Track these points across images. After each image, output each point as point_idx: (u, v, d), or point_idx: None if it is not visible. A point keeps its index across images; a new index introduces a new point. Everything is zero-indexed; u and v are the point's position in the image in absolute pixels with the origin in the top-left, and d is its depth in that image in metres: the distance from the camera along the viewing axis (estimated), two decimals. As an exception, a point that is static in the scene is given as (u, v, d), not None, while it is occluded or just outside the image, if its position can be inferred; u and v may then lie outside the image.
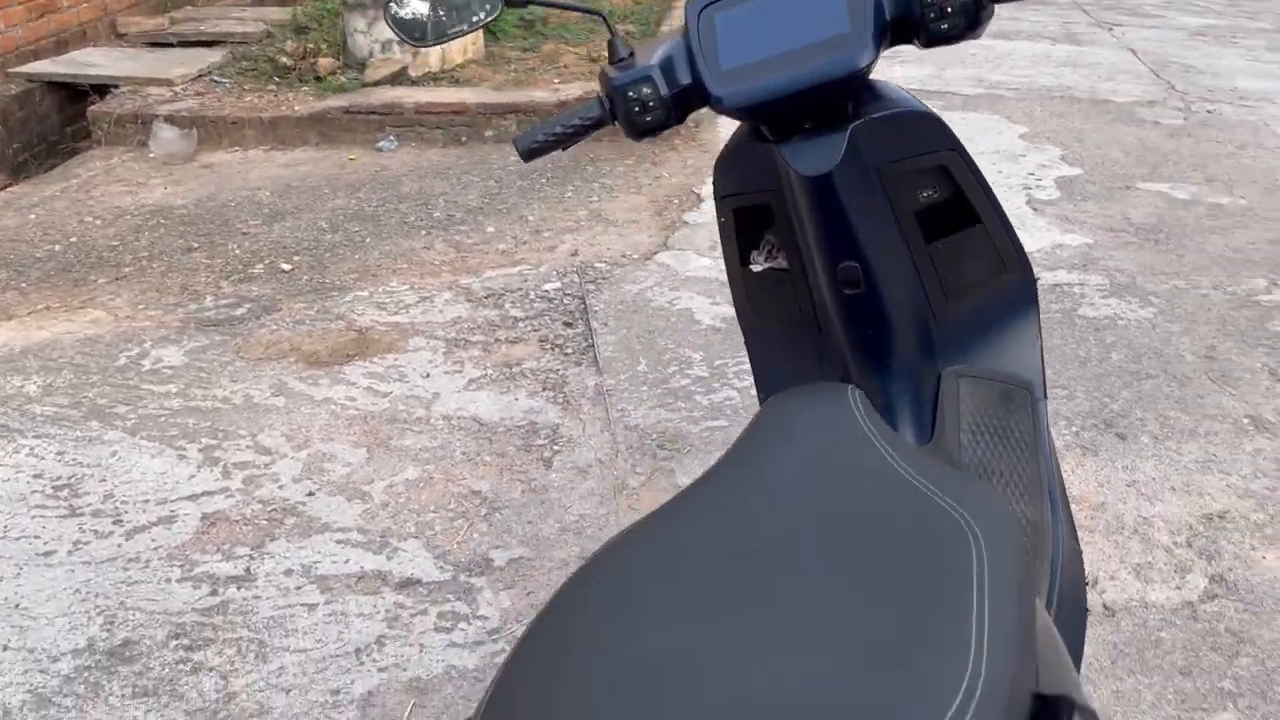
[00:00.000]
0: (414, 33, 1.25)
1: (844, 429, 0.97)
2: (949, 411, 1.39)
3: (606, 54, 1.24)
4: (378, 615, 1.76)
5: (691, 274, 2.95)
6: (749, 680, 0.65)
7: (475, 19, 1.24)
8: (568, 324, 2.70)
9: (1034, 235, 3.03)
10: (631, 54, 1.23)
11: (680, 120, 1.23)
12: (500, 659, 1.59)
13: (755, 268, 1.44)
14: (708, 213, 3.36)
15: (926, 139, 1.25)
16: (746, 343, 1.56)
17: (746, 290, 1.49)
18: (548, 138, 1.22)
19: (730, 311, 2.72)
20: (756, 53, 1.18)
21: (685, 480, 2.08)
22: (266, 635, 1.72)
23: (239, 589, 1.82)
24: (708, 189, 3.56)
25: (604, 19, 1.24)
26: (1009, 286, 1.41)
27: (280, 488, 2.08)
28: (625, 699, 0.65)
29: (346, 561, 1.88)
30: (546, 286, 2.90)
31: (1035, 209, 3.30)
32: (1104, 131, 4.05)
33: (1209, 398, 2.27)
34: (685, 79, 1.19)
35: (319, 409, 2.34)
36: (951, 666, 0.60)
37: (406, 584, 1.83)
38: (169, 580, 1.83)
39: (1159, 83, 4.76)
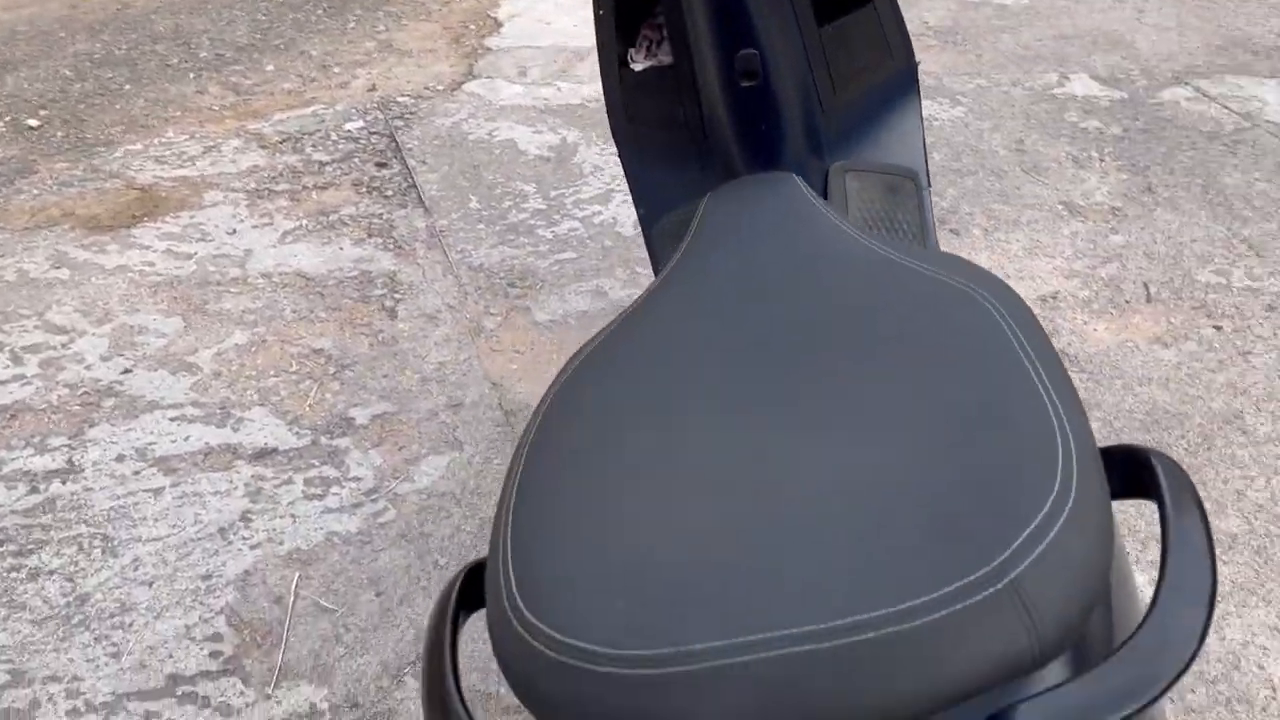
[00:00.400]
0: None
1: (807, 217, 0.91)
2: (838, 207, 1.35)
3: None
4: (236, 491, 1.60)
5: (506, 103, 2.77)
6: (834, 466, 0.60)
7: None
8: (381, 164, 2.48)
9: (841, 44, 3.02)
10: None
11: None
12: (384, 518, 1.49)
13: (635, 66, 1.33)
14: (510, 36, 3.16)
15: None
16: (621, 153, 1.47)
17: (623, 94, 1.38)
18: None
19: (557, 139, 2.59)
20: None
21: (544, 317, 1.99)
22: (110, 528, 1.53)
23: (64, 483, 1.60)
24: (506, 11, 3.34)
25: None
26: (894, 73, 1.36)
27: (87, 368, 1.83)
28: (704, 499, 0.59)
29: (187, 439, 1.69)
30: (348, 126, 2.65)
31: (837, 18, 3.29)
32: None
33: (1025, 188, 2.38)
34: None
35: (114, 278, 2.06)
36: (1042, 428, 0.57)
37: (262, 454, 1.67)
38: (-25, 485, 1.60)
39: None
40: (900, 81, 1.38)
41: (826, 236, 0.86)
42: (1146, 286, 2.04)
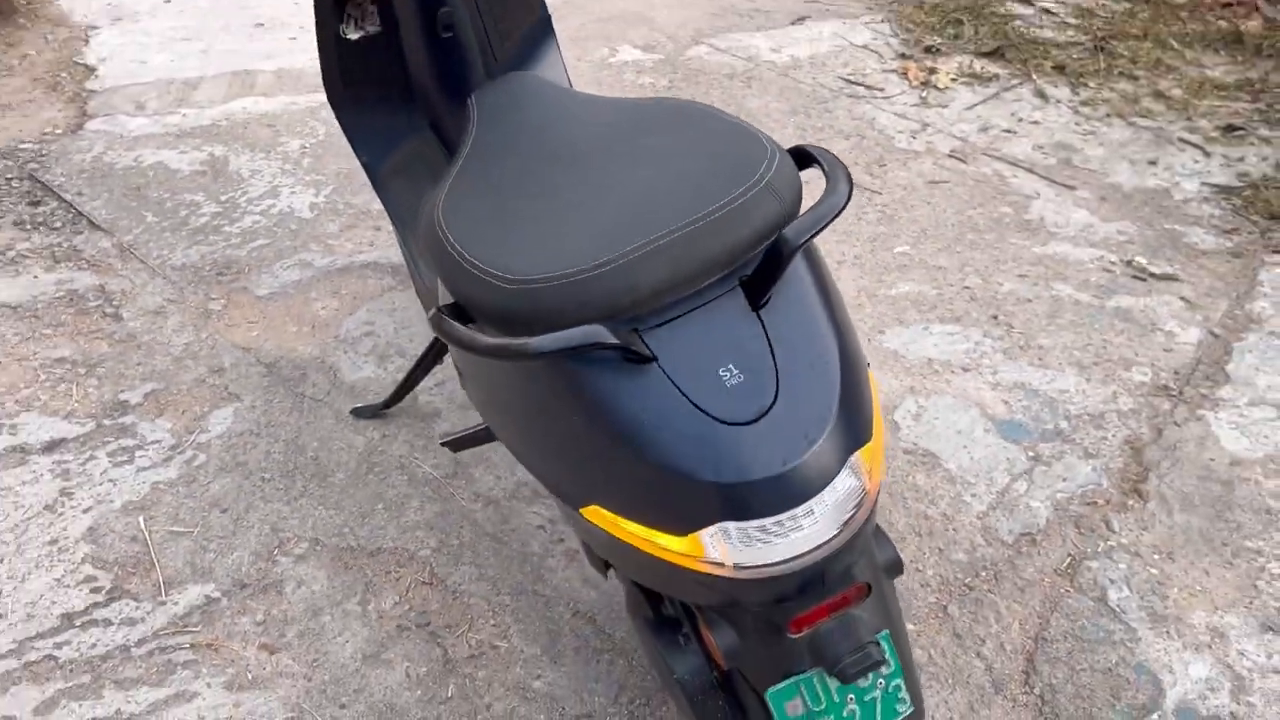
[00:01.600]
0: None
1: (553, 92, 1.37)
2: None
3: None
4: (44, 477, 1.74)
5: (139, 133, 2.90)
6: (635, 180, 1.07)
7: None
8: (34, 203, 2.54)
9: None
10: None
11: None
12: (198, 461, 1.74)
13: (351, 36, 1.70)
14: (111, 78, 3.25)
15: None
16: (339, 116, 1.82)
17: (340, 64, 1.74)
18: None
19: (205, 155, 2.80)
20: None
21: (264, 292, 2.25)
22: (-70, 536, 1.62)
23: None
24: (94, 56, 3.40)
25: None
26: (536, 20, 1.85)
27: None
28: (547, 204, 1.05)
29: (-33, 453, 1.78)
30: (-21, 177, 2.65)
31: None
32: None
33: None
34: None
35: None
36: (756, 142, 1.08)
37: (51, 446, 1.80)
38: None
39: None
40: (544, 29, 1.86)
41: (572, 97, 1.33)
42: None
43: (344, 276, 2.31)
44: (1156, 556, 1.68)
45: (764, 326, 0.98)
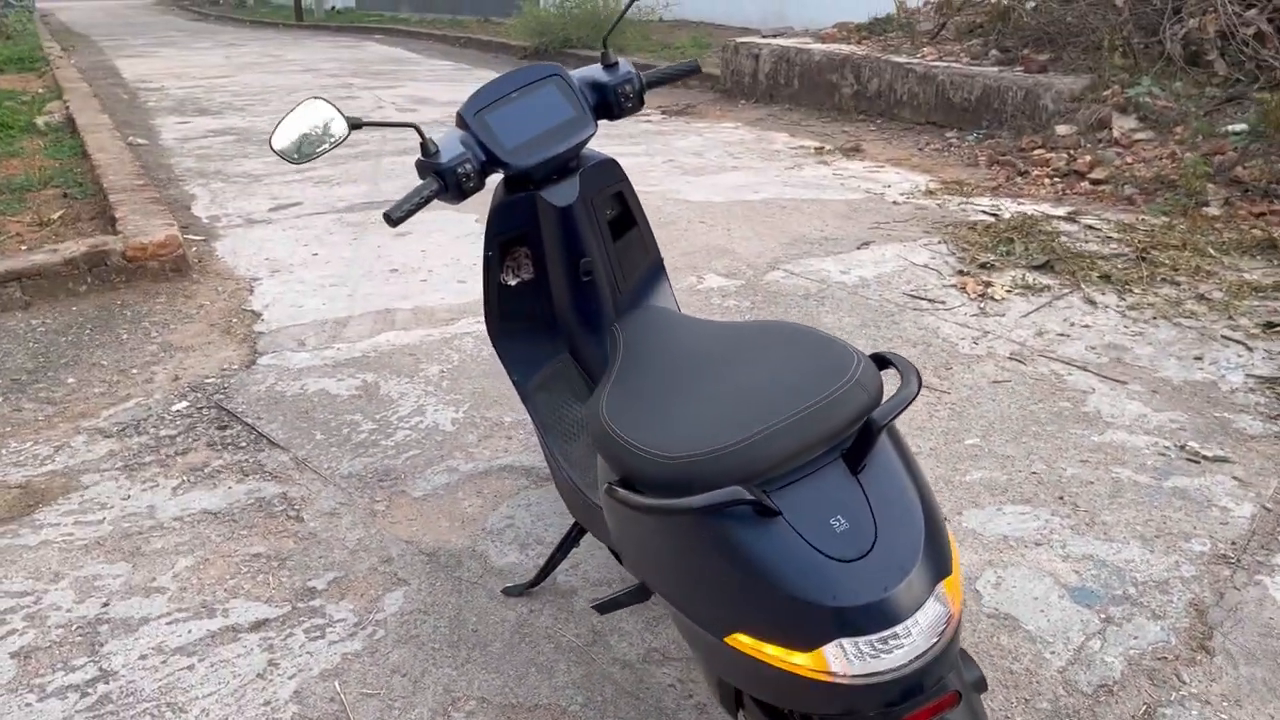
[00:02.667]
0: (290, 156, 1.76)
1: (679, 317, 1.77)
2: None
3: (420, 150, 1.87)
4: (254, 651, 2.07)
5: (303, 366, 3.40)
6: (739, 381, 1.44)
7: (330, 141, 1.79)
8: (222, 427, 3.01)
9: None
10: (436, 149, 1.87)
11: (481, 186, 1.91)
12: (377, 635, 2.07)
13: (510, 282, 2.14)
14: (274, 321, 3.81)
15: (612, 175, 2.08)
16: (495, 344, 2.24)
17: (500, 304, 2.17)
18: (408, 208, 1.81)
19: (359, 382, 3.27)
20: (523, 135, 1.92)
21: (419, 494, 2.63)
22: (167, 698, 1.94)
23: (107, 682, 1.98)
24: (258, 304, 3.99)
25: (416, 128, 1.87)
26: (651, 262, 2.28)
27: (68, 611, 2.20)
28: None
29: (189, 631, 2.13)
30: (175, 407, 3.14)
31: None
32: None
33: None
34: (483, 156, 1.89)
35: (44, 550, 2.42)
36: (846, 354, 1.45)
37: (257, 625, 2.15)
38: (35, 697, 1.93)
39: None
40: (657, 267, 2.29)
41: (694, 321, 1.73)
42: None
43: (485, 479, 2.69)
44: (1226, 704, 1.88)
45: (862, 487, 1.30)
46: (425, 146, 1.86)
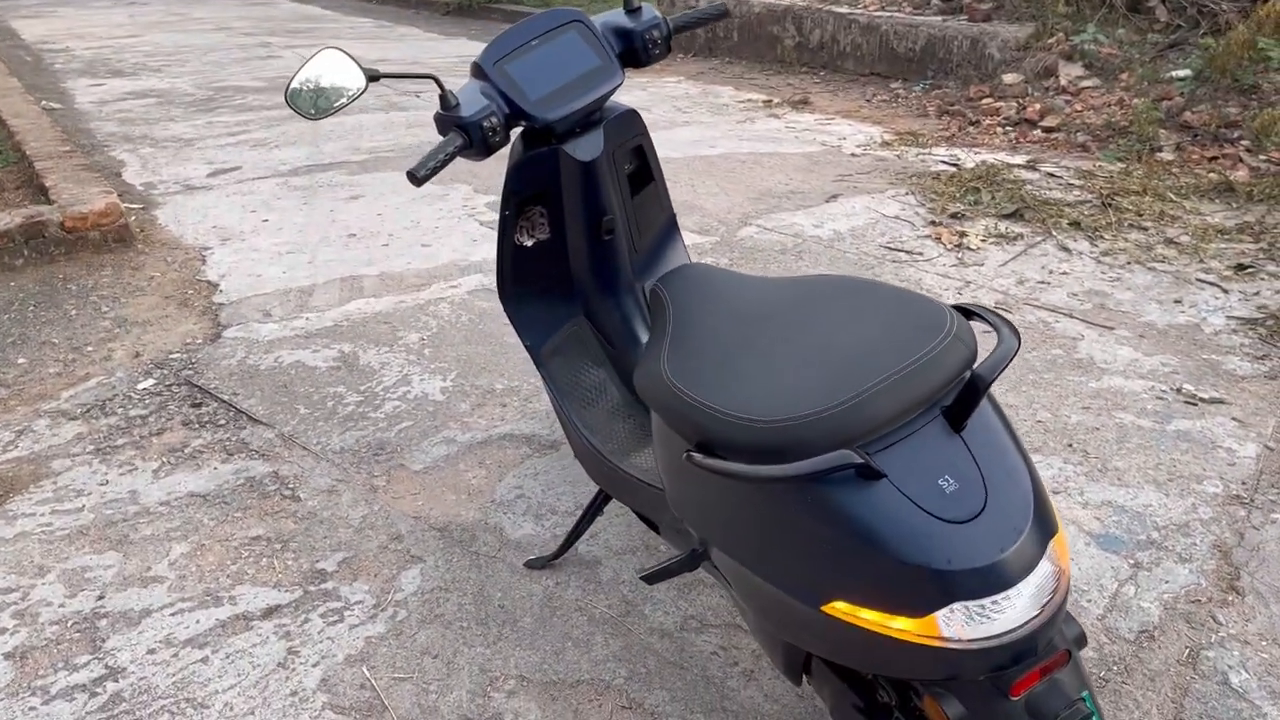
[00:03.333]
0: (307, 110, 1.63)
1: (740, 276, 1.69)
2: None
3: (439, 103, 1.75)
4: (270, 639, 1.96)
5: (273, 338, 3.24)
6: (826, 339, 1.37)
7: (348, 96, 1.66)
8: (196, 404, 2.85)
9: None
10: (457, 102, 1.75)
11: (506, 140, 1.80)
12: (399, 617, 1.97)
13: (526, 243, 2.04)
14: (233, 292, 3.62)
15: (634, 127, 1.99)
16: (506, 307, 2.14)
17: (513, 266, 2.07)
18: (433, 166, 1.69)
19: (336, 353, 3.12)
20: (548, 85, 1.81)
21: (419, 467, 2.52)
22: (184, 694, 1.83)
23: (116, 680, 1.86)
24: (214, 273, 3.79)
25: (436, 80, 1.75)
26: (666, 219, 2.19)
27: (61, 606, 2.05)
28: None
29: (198, 623, 2.01)
30: (141, 386, 2.96)
31: (489, 229, 4.15)
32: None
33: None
34: (507, 109, 1.77)
35: (23, 542, 2.26)
36: (937, 308, 1.39)
37: (270, 612, 2.03)
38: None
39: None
40: (670, 223, 2.20)
41: (743, 278, 1.65)
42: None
43: (485, 448, 2.59)
44: (1265, 643, 1.90)
45: (967, 445, 1.25)
46: (445, 99, 1.74)
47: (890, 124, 5.89)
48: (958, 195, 4.36)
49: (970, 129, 5.68)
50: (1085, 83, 5.83)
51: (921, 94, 6.50)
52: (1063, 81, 5.88)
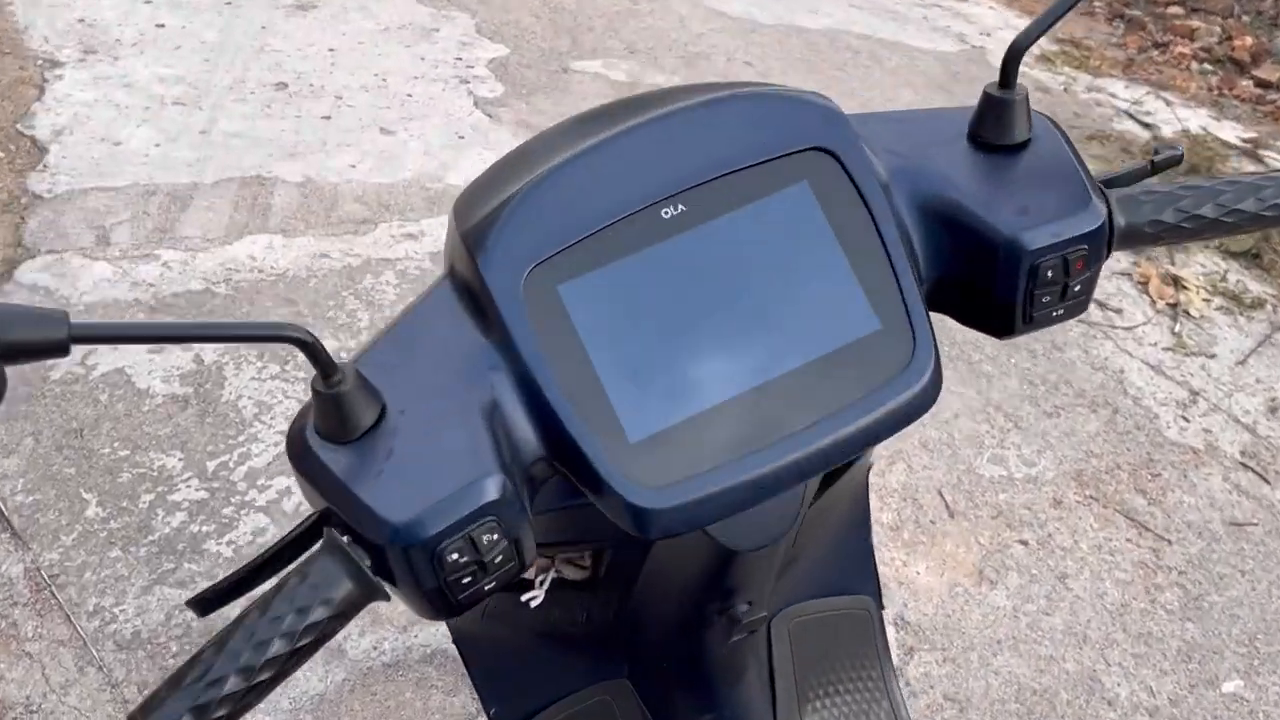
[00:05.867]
0: None
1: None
2: (782, 675, 1.00)
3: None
4: None
5: (93, 298, 1.96)
6: None
7: None
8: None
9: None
10: (363, 429, 0.47)
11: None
12: None
13: (534, 602, 0.82)
14: (66, 170, 2.30)
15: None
16: (462, 650, 0.96)
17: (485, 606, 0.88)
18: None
19: (189, 360, 1.87)
20: (688, 390, 0.52)
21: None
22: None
23: None
24: (47, 123, 2.44)
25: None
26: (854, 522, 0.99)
27: None
28: None
29: None
30: None
31: (488, 113, 2.78)
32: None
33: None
34: (547, 467, 0.51)
35: None
36: None
37: None
38: None
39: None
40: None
41: None
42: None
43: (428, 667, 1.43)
44: None
45: None
46: (323, 402, 0.46)
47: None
48: (1160, 192, 3.03)
49: (1154, 53, 4.23)
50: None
51: (1089, -23, 4.94)
52: (1288, 10, 4.39)
